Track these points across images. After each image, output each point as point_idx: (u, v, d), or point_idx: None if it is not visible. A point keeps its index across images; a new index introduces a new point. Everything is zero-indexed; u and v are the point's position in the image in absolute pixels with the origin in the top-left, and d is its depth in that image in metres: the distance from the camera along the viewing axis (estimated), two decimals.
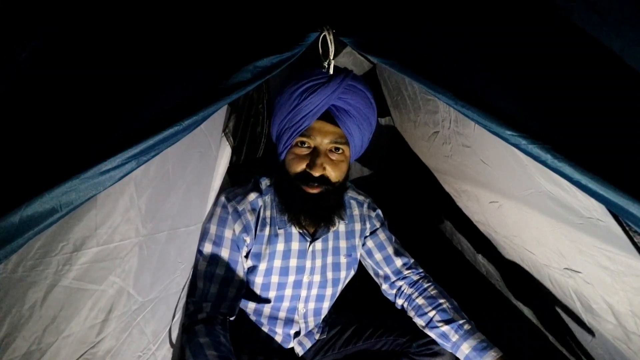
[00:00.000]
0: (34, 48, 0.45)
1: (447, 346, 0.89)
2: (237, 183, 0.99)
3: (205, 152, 0.74)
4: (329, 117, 0.80)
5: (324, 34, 0.60)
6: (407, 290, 0.99)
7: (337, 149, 0.83)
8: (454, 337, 0.87)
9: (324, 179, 0.83)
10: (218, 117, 0.82)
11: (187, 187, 0.68)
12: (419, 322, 0.94)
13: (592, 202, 0.62)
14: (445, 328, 0.89)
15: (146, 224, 0.57)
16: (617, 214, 0.48)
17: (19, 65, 0.44)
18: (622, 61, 0.48)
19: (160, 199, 0.60)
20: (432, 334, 0.92)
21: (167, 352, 0.71)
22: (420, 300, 0.95)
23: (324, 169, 0.82)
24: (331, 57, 0.72)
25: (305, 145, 0.83)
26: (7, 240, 0.37)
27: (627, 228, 0.59)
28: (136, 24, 0.52)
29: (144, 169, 0.52)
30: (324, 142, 0.81)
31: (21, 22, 0.46)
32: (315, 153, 0.82)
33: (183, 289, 0.75)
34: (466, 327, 0.87)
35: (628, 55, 0.48)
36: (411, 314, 0.97)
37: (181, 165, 0.64)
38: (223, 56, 0.53)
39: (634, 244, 0.59)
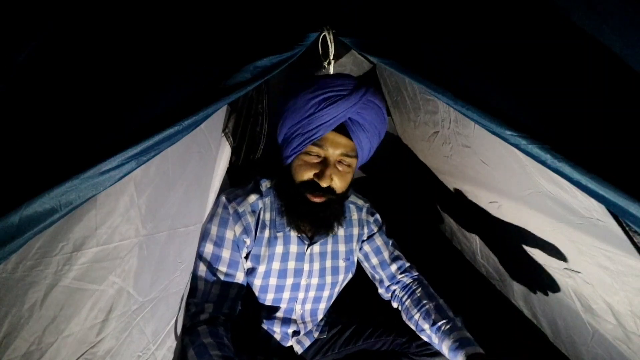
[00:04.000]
0: (33, 48, 0.45)
1: (436, 347, 0.88)
2: (236, 183, 0.98)
3: (205, 152, 0.74)
4: (342, 128, 0.79)
5: (324, 34, 0.60)
6: (400, 293, 0.99)
7: (345, 160, 0.83)
8: (435, 340, 0.87)
9: (329, 189, 0.82)
10: (218, 117, 0.82)
11: (187, 187, 0.68)
12: (411, 326, 0.95)
13: (592, 202, 0.62)
14: (428, 332, 0.89)
15: (146, 224, 0.57)
16: (617, 214, 0.48)
17: (18, 65, 0.44)
18: (622, 61, 0.48)
19: (160, 199, 0.60)
20: (422, 337, 0.92)
21: (166, 352, 0.71)
22: (408, 303, 0.95)
23: (332, 179, 0.81)
24: (331, 57, 0.72)
25: (315, 154, 0.81)
26: (7, 240, 0.37)
27: (627, 228, 0.59)
28: (136, 24, 0.52)
29: (144, 168, 0.52)
30: (335, 153, 0.81)
31: (21, 22, 0.46)
32: (325, 163, 0.81)
33: (183, 289, 0.75)
34: (443, 327, 0.85)
35: (628, 55, 0.48)
36: (403, 317, 0.97)
37: (181, 165, 0.64)
38: (223, 56, 0.53)
39: (634, 244, 0.59)
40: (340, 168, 0.83)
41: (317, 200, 0.82)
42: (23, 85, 0.44)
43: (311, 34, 0.58)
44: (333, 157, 0.81)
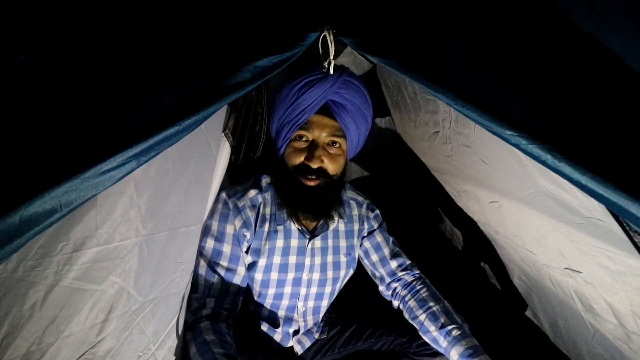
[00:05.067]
0: (33, 48, 0.45)
1: (441, 350, 0.89)
2: (236, 182, 0.99)
3: (205, 152, 0.74)
4: (326, 111, 0.83)
5: (324, 34, 0.60)
6: (401, 291, 1.00)
7: (334, 142, 0.86)
8: (444, 344, 0.87)
9: (322, 172, 0.85)
10: (218, 117, 0.82)
11: (187, 187, 0.68)
12: (414, 324, 0.95)
13: (593, 202, 0.62)
14: (435, 334, 0.89)
15: (146, 224, 0.57)
16: (617, 214, 0.48)
17: (19, 65, 0.44)
18: (622, 61, 0.48)
19: (160, 199, 0.60)
20: (425, 338, 0.92)
21: (167, 352, 0.71)
22: (412, 303, 0.95)
23: (322, 161, 0.84)
24: (331, 57, 0.72)
25: (304, 139, 0.85)
26: (7, 241, 0.37)
27: (627, 228, 0.59)
28: (136, 24, 0.52)
29: (144, 168, 0.52)
30: (322, 135, 0.84)
31: (21, 22, 0.46)
32: (313, 146, 0.84)
33: (183, 289, 0.75)
34: (455, 332, 0.86)
35: (628, 55, 0.48)
36: (405, 316, 0.97)
37: (181, 165, 0.65)
38: (223, 56, 0.53)
39: (634, 243, 0.59)
40: (330, 151, 0.86)
41: (310, 183, 0.84)
42: (23, 85, 0.44)
43: (311, 34, 0.58)
44: (321, 138, 0.84)
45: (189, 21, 0.54)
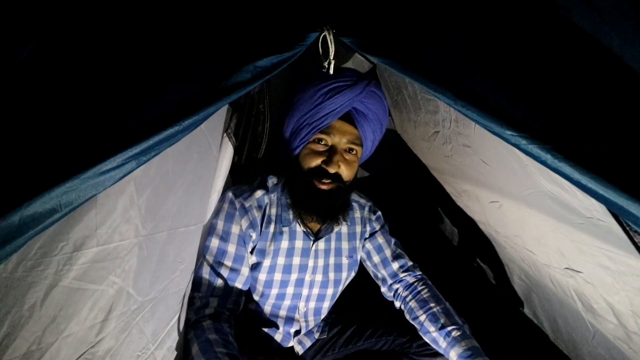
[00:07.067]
0: (33, 48, 0.45)
1: (440, 351, 0.89)
2: (238, 182, 0.99)
3: (205, 152, 0.74)
4: (348, 118, 0.84)
5: (324, 34, 0.60)
6: (403, 292, 1.00)
7: (351, 149, 0.87)
8: (443, 344, 0.87)
9: (336, 177, 0.85)
10: (218, 117, 0.82)
11: (187, 187, 0.68)
12: (415, 325, 0.95)
13: (593, 202, 0.62)
14: (435, 334, 0.89)
15: (146, 224, 0.57)
16: (617, 214, 0.48)
17: (19, 65, 0.44)
18: (622, 61, 0.48)
19: (160, 199, 0.60)
20: (425, 338, 0.93)
21: (166, 352, 0.71)
22: (412, 303, 0.96)
23: (339, 166, 0.85)
24: (331, 57, 0.72)
25: (322, 143, 0.86)
26: (7, 240, 0.37)
27: (628, 228, 0.59)
28: (136, 24, 0.52)
29: (144, 169, 0.52)
30: (341, 141, 0.85)
31: (21, 22, 0.46)
32: (332, 150, 0.85)
33: (183, 289, 0.75)
34: (454, 333, 0.86)
35: (628, 55, 0.48)
36: (407, 316, 0.98)
37: (181, 165, 0.65)
38: (223, 56, 0.53)
39: (634, 243, 0.59)
40: (347, 157, 0.87)
41: (324, 187, 0.85)
42: (23, 85, 0.44)
43: (311, 34, 0.58)
44: (340, 144, 0.85)
45: (189, 21, 0.54)
